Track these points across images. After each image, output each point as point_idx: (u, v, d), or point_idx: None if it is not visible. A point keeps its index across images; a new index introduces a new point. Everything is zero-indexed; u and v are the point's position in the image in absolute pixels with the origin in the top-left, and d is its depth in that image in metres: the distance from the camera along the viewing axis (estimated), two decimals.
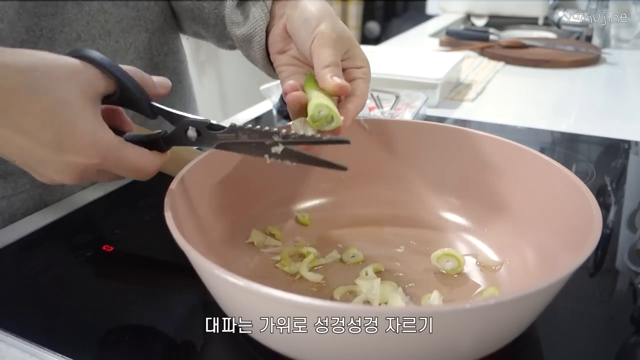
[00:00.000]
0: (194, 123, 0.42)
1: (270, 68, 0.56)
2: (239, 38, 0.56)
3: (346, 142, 0.39)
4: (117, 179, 0.43)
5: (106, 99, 0.41)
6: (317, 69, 0.46)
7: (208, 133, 0.42)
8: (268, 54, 0.55)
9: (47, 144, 0.36)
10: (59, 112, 0.36)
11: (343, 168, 0.41)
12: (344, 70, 0.48)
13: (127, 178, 0.43)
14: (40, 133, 0.36)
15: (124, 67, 0.41)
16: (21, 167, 0.39)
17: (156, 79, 0.44)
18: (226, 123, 0.41)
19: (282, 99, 0.81)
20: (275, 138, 0.40)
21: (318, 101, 0.43)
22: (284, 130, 0.40)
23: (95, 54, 0.39)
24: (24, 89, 0.35)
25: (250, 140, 0.41)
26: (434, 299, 0.42)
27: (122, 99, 0.41)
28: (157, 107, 0.42)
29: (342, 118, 0.44)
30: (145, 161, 0.41)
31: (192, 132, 0.42)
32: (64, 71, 0.37)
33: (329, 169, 0.41)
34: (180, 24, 0.70)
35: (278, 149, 0.40)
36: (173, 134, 0.42)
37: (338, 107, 0.45)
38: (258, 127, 0.40)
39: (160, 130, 0.43)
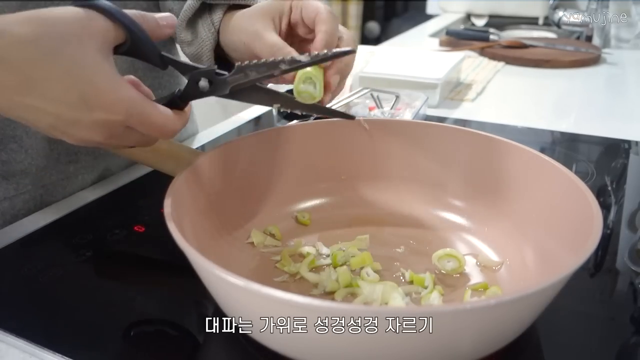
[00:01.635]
0: (203, 73, 0.42)
1: None
2: (189, 56, 0.57)
3: (353, 52, 0.42)
4: (147, 143, 0.43)
5: (116, 49, 0.40)
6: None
7: (218, 79, 0.42)
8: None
9: (74, 105, 0.36)
10: (78, 73, 0.36)
11: (351, 117, 0.45)
12: (297, 24, 0.49)
13: (151, 145, 0.43)
14: (65, 96, 0.36)
15: (129, 12, 0.40)
16: (51, 133, 0.39)
17: (159, 16, 0.42)
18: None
19: None
20: (283, 66, 0.41)
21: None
22: (289, 57, 0.41)
23: (104, 2, 0.39)
24: (40, 58, 0.35)
25: (259, 75, 0.41)
26: (434, 299, 0.42)
27: (132, 48, 0.41)
28: (167, 57, 0.42)
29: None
30: (168, 117, 0.40)
31: (203, 83, 0.42)
32: (74, 29, 0.37)
33: (338, 117, 0.45)
34: None
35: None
36: (187, 89, 0.42)
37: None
38: (263, 60, 0.41)
39: (174, 90, 0.43)
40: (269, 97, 0.43)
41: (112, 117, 0.37)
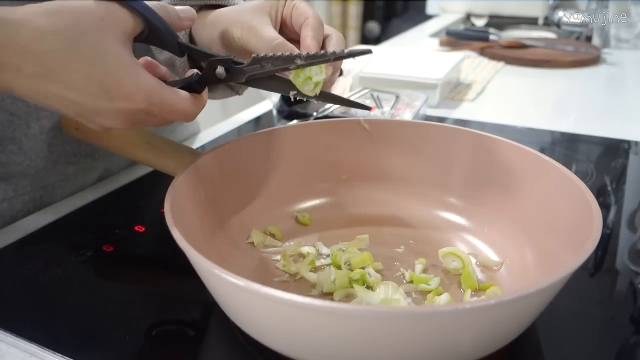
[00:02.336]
0: (220, 61, 0.43)
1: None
2: (162, 63, 0.55)
3: (369, 52, 0.41)
4: (167, 123, 0.44)
5: (135, 38, 0.41)
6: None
7: (235, 68, 0.43)
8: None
9: (95, 95, 0.38)
10: (97, 64, 0.37)
11: (367, 108, 0.46)
12: (285, 22, 0.48)
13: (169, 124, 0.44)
14: (86, 86, 0.37)
15: (150, 3, 0.41)
16: (79, 119, 0.40)
17: (179, 9, 0.44)
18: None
19: (282, 98, 0.81)
20: (298, 61, 0.41)
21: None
22: (305, 53, 0.41)
23: None
24: (60, 49, 0.36)
25: (274, 67, 0.42)
26: (443, 300, 0.42)
27: (150, 37, 0.42)
28: (185, 44, 0.43)
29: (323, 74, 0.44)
30: (187, 102, 0.41)
31: (220, 70, 0.43)
32: (93, 21, 0.37)
33: (354, 107, 0.47)
34: None
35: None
36: (204, 75, 0.43)
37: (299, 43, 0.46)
38: (280, 53, 0.42)
39: (191, 74, 0.43)
40: (285, 86, 0.43)
41: (133, 106, 0.39)
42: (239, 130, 0.84)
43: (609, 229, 0.54)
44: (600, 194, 0.62)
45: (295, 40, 0.47)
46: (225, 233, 0.48)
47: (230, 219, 0.49)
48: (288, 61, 0.42)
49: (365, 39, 2.88)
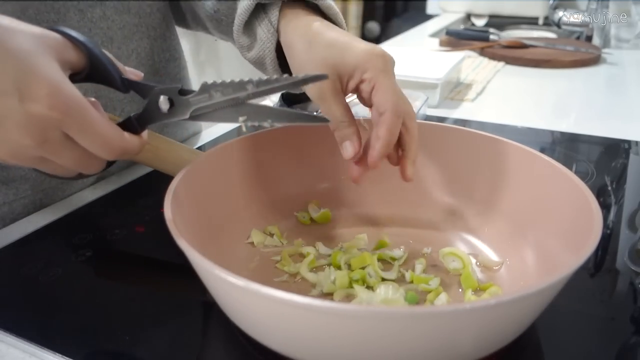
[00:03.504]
0: (165, 91, 0.40)
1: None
2: (251, 61, 0.55)
3: (324, 77, 0.37)
4: (88, 166, 0.39)
5: (76, 76, 0.39)
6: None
7: (180, 100, 0.40)
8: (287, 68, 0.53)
9: (6, 92, 0.34)
10: (20, 59, 0.34)
11: (325, 120, 0.39)
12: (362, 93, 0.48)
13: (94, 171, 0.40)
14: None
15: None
16: None
17: (128, 69, 0.43)
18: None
19: (282, 98, 0.81)
20: (249, 88, 0.38)
21: None
22: (257, 78, 0.38)
23: (69, 29, 0.38)
24: None
25: (224, 97, 0.38)
26: (441, 300, 0.42)
27: (93, 74, 0.40)
28: (129, 80, 0.41)
29: None
30: (113, 131, 0.38)
31: (164, 104, 0.40)
32: (33, 34, 0.35)
33: (311, 123, 0.39)
34: (187, 23, 0.68)
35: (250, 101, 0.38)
36: (145, 110, 0.41)
37: None
38: (230, 79, 0.38)
39: (131, 114, 0.41)
40: (233, 111, 0.39)
41: (46, 112, 0.34)
42: (239, 130, 0.84)
43: (609, 229, 0.54)
44: (600, 194, 0.62)
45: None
46: (225, 233, 0.48)
47: (230, 219, 0.49)
48: (238, 89, 0.38)
49: (365, 38, 2.87)
